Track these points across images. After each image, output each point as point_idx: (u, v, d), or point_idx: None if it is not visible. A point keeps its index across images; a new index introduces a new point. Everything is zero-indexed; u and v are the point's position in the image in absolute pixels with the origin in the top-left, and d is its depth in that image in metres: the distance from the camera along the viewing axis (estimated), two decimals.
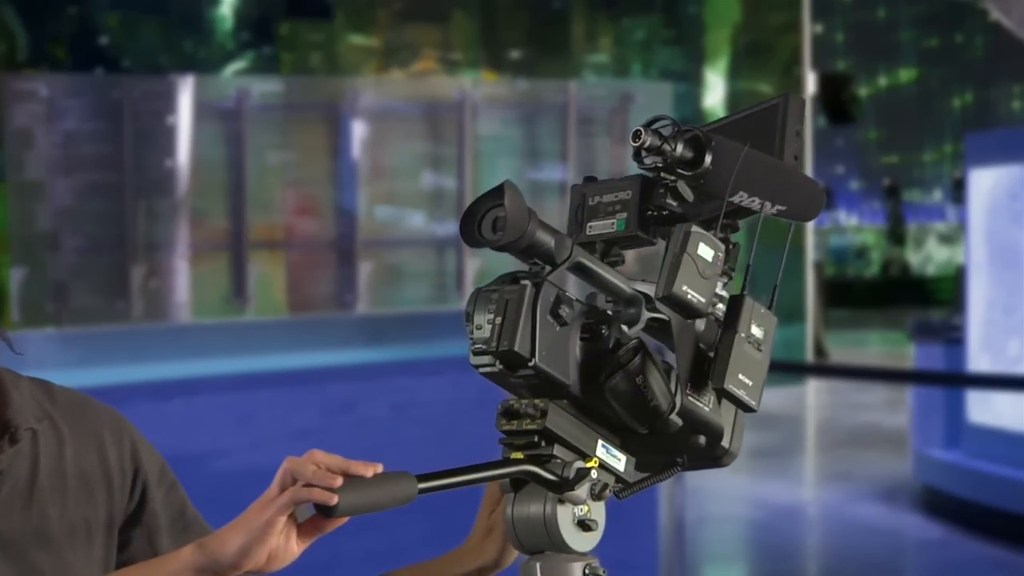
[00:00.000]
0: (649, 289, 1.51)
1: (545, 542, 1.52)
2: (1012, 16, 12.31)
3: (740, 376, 1.49)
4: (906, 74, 36.60)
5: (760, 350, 1.50)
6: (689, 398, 1.51)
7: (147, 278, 12.32)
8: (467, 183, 13.37)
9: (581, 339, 1.50)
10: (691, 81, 16.38)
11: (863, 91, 31.02)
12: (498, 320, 1.46)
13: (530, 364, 1.46)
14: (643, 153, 1.50)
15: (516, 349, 1.45)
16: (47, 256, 11.93)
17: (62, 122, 11.98)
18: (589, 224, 1.56)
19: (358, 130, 13.02)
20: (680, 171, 1.50)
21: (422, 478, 1.51)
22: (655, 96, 14.86)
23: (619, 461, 1.54)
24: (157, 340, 11.39)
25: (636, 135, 1.50)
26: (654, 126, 1.50)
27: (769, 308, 1.52)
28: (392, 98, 13.59)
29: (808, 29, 16.56)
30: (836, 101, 18.46)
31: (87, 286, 12.14)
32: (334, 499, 1.47)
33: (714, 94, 16.36)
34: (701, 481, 9.32)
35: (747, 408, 1.50)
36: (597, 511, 1.53)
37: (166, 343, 11.17)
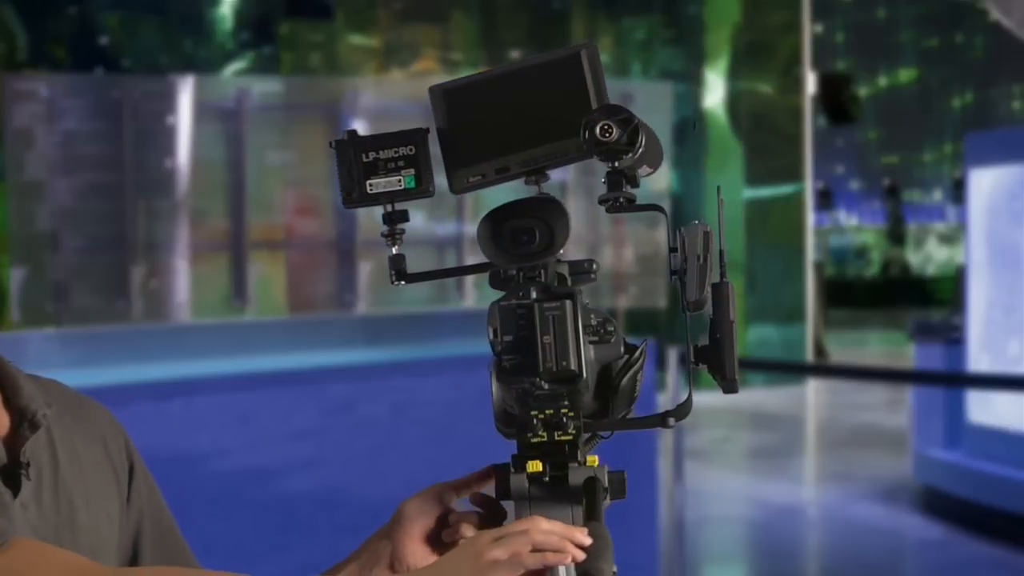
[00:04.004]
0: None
1: None
2: (1012, 16, 12.30)
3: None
4: (906, 74, 36.60)
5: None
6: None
7: (147, 278, 12.31)
8: None
9: (590, 342, 1.51)
10: (691, 81, 16.37)
11: (863, 91, 31.00)
12: (545, 339, 1.47)
13: (582, 379, 1.48)
14: (605, 146, 1.48)
15: (572, 368, 1.47)
16: (47, 256, 11.92)
17: (62, 122, 11.97)
18: (370, 182, 1.54)
19: (358, 130, 13.02)
20: (618, 157, 1.48)
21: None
22: (655, 96, 14.84)
23: None
24: (157, 340, 11.37)
25: (606, 130, 1.47)
26: (615, 119, 1.47)
27: (721, 277, 1.50)
28: (392, 98, 13.58)
29: (808, 29, 16.56)
30: (836, 101, 18.45)
31: (87, 286, 12.13)
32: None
33: (714, 94, 16.36)
34: (701, 481, 9.32)
35: (731, 387, 1.48)
36: None
37: (166, 343, 11.15)
